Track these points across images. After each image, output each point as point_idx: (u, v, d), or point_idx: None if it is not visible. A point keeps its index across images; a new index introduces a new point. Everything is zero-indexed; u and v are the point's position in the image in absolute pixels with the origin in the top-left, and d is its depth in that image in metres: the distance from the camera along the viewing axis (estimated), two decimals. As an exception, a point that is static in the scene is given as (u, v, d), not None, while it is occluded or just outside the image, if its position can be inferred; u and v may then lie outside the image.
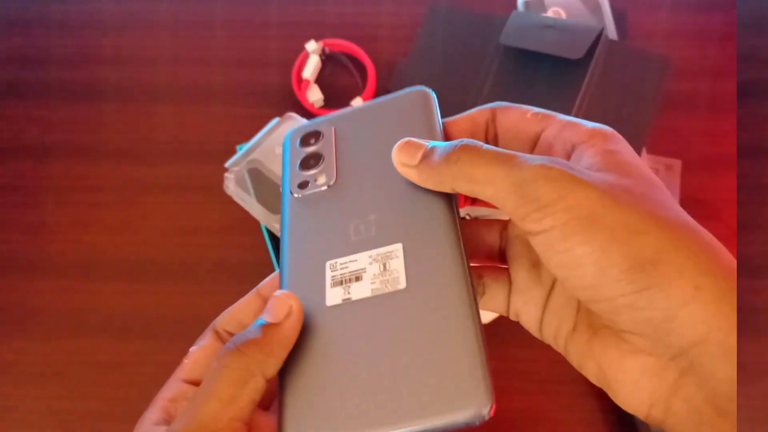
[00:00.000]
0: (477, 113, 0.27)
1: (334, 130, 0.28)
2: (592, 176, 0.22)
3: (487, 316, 0.53)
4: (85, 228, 0.60)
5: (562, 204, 0.21)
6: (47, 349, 0.56)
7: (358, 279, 0.24)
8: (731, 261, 0.22)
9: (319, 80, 0.63)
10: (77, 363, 0.56)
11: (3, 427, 0.55)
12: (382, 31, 0.64)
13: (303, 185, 0.27)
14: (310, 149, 0.28)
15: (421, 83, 0.61)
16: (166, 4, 0.66)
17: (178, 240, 0.58)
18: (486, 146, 0.24)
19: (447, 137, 0.27)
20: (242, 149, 0.52)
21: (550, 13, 0.62)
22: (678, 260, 0.21)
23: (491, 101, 0.57)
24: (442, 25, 0.62)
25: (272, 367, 0.23)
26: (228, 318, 0.27)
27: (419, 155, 0.25)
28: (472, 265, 0.24)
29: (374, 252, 0.24)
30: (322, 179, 0.27)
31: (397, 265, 0.23)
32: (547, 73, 0.57)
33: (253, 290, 0.28)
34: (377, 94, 0.62)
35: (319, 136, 0.28)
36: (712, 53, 0.62)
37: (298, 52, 0.62)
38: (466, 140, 0.24)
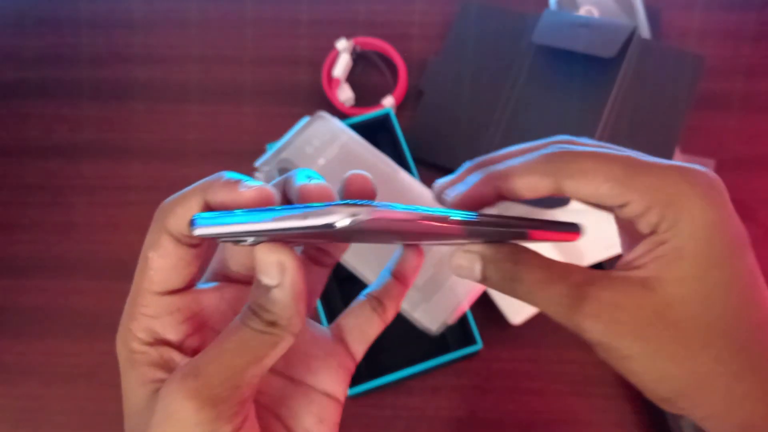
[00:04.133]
0: (539, 182, 0.24)
1: None
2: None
3: (520, 316, 0.53)
4: (116, 228, 0.59)
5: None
6: (76, 349, 0.56)
7: None
8: None
9: (350, 79, 0.62)
10: (107, 364, 0.55)
11: (31, 427, 0.55)
12: (414, 29, 0.64)
13: None
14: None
15: (452, 82, 0.61)
16: (195, 3, 0.66)
17: (208, 239, 0.58)
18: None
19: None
20: (272, 148, 0.52)
21: (582, 12, 0.61)
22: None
23: (523, 100, 0.58)
24: (473, 24, 0.62)
25: (300, 323, 0.23)
26: (180, 222, 0.23)
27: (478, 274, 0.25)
28: None
29: None
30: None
31: None
32: (580, 72, 0.57)
33: (198, 189, 0.23)
34: (408, 92, 0.61)
35: None
36: (747, 52, 0.62)
37: (328, 51, 0.62)
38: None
